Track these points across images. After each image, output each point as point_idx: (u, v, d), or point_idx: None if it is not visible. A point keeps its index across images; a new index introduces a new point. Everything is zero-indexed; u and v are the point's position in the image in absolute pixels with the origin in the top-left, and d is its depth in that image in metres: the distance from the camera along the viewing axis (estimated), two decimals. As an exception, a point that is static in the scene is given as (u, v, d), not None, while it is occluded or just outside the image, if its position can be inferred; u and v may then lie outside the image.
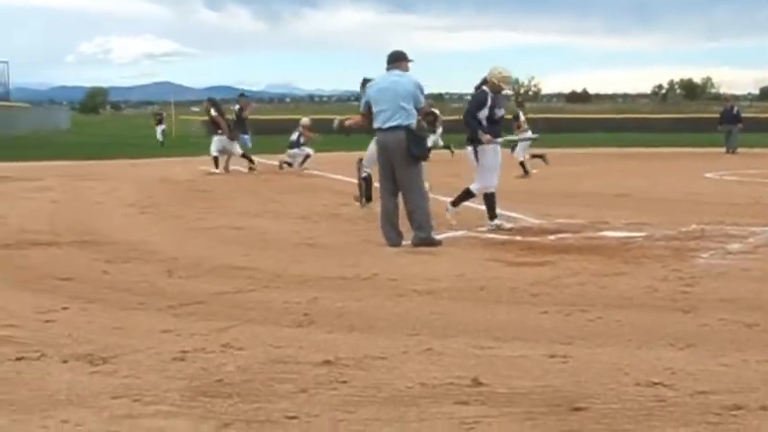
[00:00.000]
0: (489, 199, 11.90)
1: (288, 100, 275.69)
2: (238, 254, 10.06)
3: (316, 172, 23.68)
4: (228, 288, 8.08)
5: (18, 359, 5.78)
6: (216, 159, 24.54)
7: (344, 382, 5.21)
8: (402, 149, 10.57)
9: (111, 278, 8.76)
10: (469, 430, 4.40)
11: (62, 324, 6.77)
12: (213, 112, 24.72)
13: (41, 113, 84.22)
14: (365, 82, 12.35)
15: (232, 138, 24.37)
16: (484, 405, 4.77)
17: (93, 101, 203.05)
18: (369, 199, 14.90)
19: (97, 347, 6.03)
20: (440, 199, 12.97)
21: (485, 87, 11.71)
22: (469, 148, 11.85)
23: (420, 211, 10.65)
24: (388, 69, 10.92)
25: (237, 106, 26.15)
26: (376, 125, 10.82)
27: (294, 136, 25.34)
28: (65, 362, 5.72)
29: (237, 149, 24.36)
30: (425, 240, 10.55)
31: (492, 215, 11.85)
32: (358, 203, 15.05)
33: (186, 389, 5.09)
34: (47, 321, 6.84)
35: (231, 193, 18.48)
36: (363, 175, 15.15)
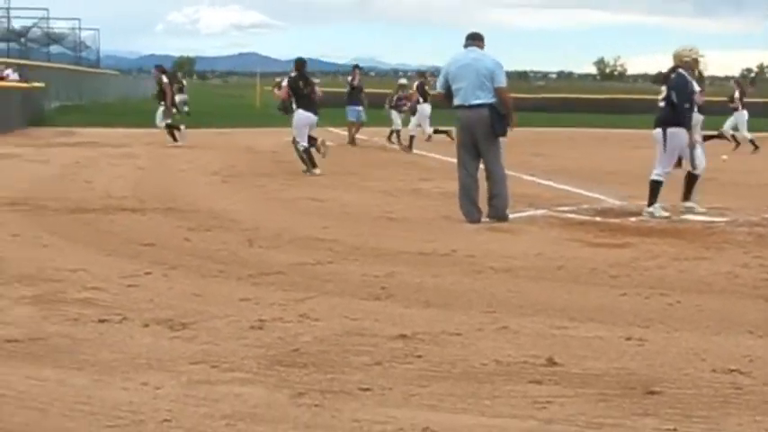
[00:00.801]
0: (656, 186, 11.46)
1: (372, 74, 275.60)
2: (318, 226, 10.13)
3: (398, 147, 23.68)
4: (308, 259, 8.15)
5: (101, 321, 5.91)
6: (171, 131, 23.69)
7: (419, 356, 5.23)
8: (486, 126, 10.59)
9: (193, 245, 8.88)
10: (542, 409, 4.40)
11: (144, 289, 6.89)
12: (164, 79, 24.17)
13: (130, 81, 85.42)
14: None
15: (169, 110, 23.88)
16: (557, 385, 4.76)
17: (181, 69, 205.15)
18: (314, 165, 16.30)
19: (177, 313, 6.14)
20: (522, 178, 12.90)
21: (680, 70, 11.31)
22: (658, 130, 11.43)
23: (503, 185, 10.74)
24: (466, 46, 10.93)
25: (350, 77, 25.74)
26: (457, 102, 10.79)
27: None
28: (146, 326, 5.83)
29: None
30: (502, 215, 10.60)
31: (652, 202, 11.41)
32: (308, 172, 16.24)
33: (263, 357, 5.16)
34: (129, 286, 6.97)
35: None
36: (301, 148, 16.37)
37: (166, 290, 6.89)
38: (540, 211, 11.47)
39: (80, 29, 66.07)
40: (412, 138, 23.37)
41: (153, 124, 24.37)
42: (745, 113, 25.31)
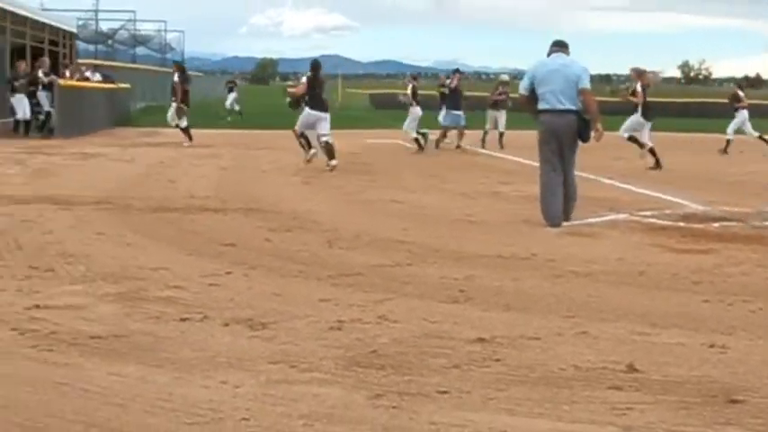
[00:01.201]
0: None
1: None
2: (398, 227, 10.14)
3: (478, 149, 23.59)
4: (387, 261, 8.16)
5: (182, 320, 5.98)
6: (186, 130, 23.76)
7: (497, 360, 5.21)
8: (572, 133, 10.64)
9: (274, 246, 8.95)
10: (621, 416, 4.36)
11: (225, 288, 6.96)
12: (175, 77, 24.15)
13: (213, 83, 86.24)
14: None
15: (179, 110, 23.79)
16: (638, 391, 4.71)
17: (263, 71, 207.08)
18: (310, 146, 18.11)
19: (257, 313, 6.19)
20: (601, 181, 12.78)
21: None
22: None
23: (576, 189, 10.90)
24: (551, 52, 10.96)
25: (448, 80, 24.73)
26: (543, 106, 10.75)
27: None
28: (226, 325, 5.89)
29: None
30: (569, 216, 10.73)
31: None
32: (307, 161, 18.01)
33: (341, 358, 5.18)
34: (210, 285, 7.05)
35: (393, 166, 18.63)
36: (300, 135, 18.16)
37: (247, 289, 6.96)
38: (621, 216, 11.35)
39: (165, 31, 67.10)
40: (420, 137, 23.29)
41: (234, 125, 24.55)
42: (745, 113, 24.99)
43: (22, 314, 6.02)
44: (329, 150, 17.68)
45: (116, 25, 53.92)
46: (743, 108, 25.06)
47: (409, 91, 24.22)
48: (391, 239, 9.38)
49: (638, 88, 19.45)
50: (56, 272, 7.41)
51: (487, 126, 24.70)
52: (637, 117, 19.35)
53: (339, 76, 74.44)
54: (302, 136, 18.11)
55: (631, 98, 19.61)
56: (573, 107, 10.60)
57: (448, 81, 24.61)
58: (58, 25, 34.14)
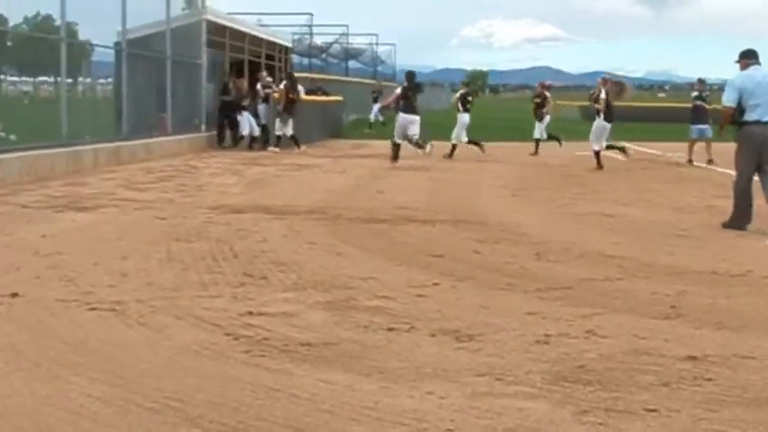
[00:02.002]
0: None
1: (667, 87, 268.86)
2: (608, 241, 9.99)
3: (695, 162, 22.92)
4: (596, 275, 8.05)
5: (390, 330, 6.05)
6: (294, 139, 24.38)
7: (709, 379, 5.05)
8: None
9: (482, 258, 8.95)
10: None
11: (432, 299, 7.00)
12: (283, 84, 24.75)
13: (424, 94, 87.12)
14: None
15: (285, 116, 24.23)
16: None
17: (474, 83, 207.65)
18: (396, 158, 20.96)
19: (464, 324, 6.20)
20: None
21: None
22: None
23: None
24: (749, 65, 11.14)
25: (696, 92, 24.23)
26: (752, 117, 10.80)
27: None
28: (433, 336, 5.92)
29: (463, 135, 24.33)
30: None
31: None
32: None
33: (547, 372, 5.13)
34: (418, 295, 7.10)
35: (604, 179, 18.35)
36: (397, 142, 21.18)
37: (454, 301, 6.98)
38: None
39: (377, 44, 68.15)
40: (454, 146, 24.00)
41: (447, 137, 24.68)
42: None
43: (236, 320, 6.23)
44: (418, 145, 21.27)
45: (330, 39, 55.14)
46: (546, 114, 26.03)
47: (458, 96, 25.64)
48: (601, 253, 9.24)
49: (602, 95, 20.91)
50: (269, 280, 7.63)
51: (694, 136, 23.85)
52: (599, 121, 20.96)
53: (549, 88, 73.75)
54: (396, 146, 21.18)
55: (595, 104, 21.40)
56: None
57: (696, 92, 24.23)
58: (275, 40, 35.19)
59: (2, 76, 22.13)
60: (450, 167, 20.76)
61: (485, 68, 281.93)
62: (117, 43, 21.45)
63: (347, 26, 57.83)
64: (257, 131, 25.70)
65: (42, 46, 20.06)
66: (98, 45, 21.83)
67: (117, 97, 21.80)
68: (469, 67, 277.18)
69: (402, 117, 21.23)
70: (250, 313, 6.41)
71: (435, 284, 7.53)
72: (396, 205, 13.03)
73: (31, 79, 25.39)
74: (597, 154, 20.73)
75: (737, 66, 11.42)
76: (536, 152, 25.26)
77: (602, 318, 6.46)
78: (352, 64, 60.43)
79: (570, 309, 6.72)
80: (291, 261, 8.47)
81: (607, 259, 8.90)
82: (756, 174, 11.09)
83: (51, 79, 21.67)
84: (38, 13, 19.17)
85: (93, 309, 6.46)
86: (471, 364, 5.28)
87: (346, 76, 53.24)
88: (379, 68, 68.37)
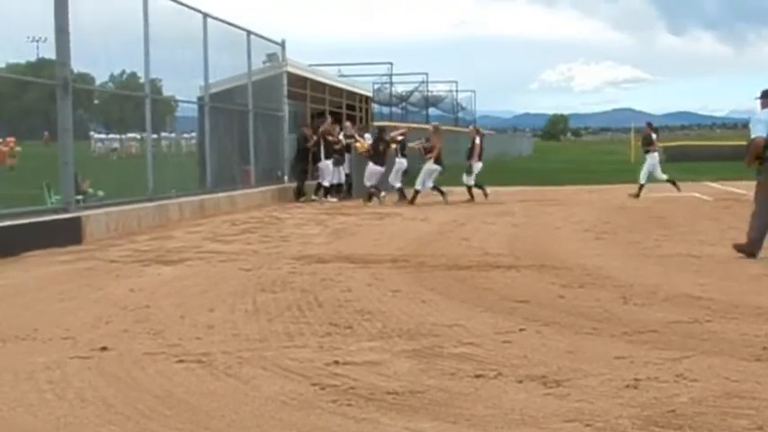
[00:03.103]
0: None
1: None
2: (695, 282, 9.84)
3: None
4: (684, 317, 7.93)
5: (476, 376, 6.02)
6: (401, 191, 24.46)
7: (805, 422, 4.93)
8: None
9: (567, 302, 8.88)
10: None
11: (518, 345, 6.96)
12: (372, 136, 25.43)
13: (505, 140, 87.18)
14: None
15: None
16: None
17: (555, 127, 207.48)
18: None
19: (551, 370, 6.14)
20: None
21: None
22: None
23: None
24: None
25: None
26: None
27: None
28: (519, 382, 5.88)
29: None
30: None
31: None
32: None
33: (637, 417, 5.05)
34: (504, 342, 7.06)
35: (689, 219, 18.12)
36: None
37: (540, 346, 6.92)
38: None
39: (457, 91, 68.50)
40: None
41: (527, 181, 24.65)
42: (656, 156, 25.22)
43: (322, 369, 6.24)
44: (369, 195, 23.84)
45: (410, 87, 55.55)
46: (654, 151, 25.54)
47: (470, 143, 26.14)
48: (688, 295, 9.10)
49: (426, 142, 24.36)
50: (354, 329, 7.64)
51: None
52: (429, 164, 23.98)
53: (632, 130, 73.21)
54: (375, 188, 23.68)
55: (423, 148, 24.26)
56: None
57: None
58: (355, 90, 35.53)
59: (90, 133, 22.67)
60: (532, 211, 20.67)
61: (566, 112, 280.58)
62: (200, 98, 21.83)
63: (427, 74, 58.33)
64: (343, 179, 25.73)
65: (128, 103, 20.53)
66: (182, 100, 22.27)
67: (200, 151, 22.18)
68: (551, 111, 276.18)
69: (370, 166, 23.92)
70: (336, 363, 6.42)
71: (521, 330, 7.48)
72: (479, 251, 13.00)
73: (118, 136, 25.97)
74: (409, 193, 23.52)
75: (758, 104, 12.05)
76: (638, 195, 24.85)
77: (692, 361, 6.36)
78: (432, 111, 60.76)
79: (658, 352, 6.63)
80: (376, 309, 8.48)
81: (694, 301, 8.77)
82: None
83: (137, 135, 22.12)
84: (123, 71, 19.62)
85: (180, 361, 6.53)
86: (560, 410, 5.23)
87: (427, 123, 53.47)
88: (460, 114, 68.58)
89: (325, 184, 25.27)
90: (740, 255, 11.74)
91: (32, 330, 7.60)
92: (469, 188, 24.68)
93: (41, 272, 11.26)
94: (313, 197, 24.94)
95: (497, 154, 64.23)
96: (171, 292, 9.63)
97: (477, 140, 25.82)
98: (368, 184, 24.36)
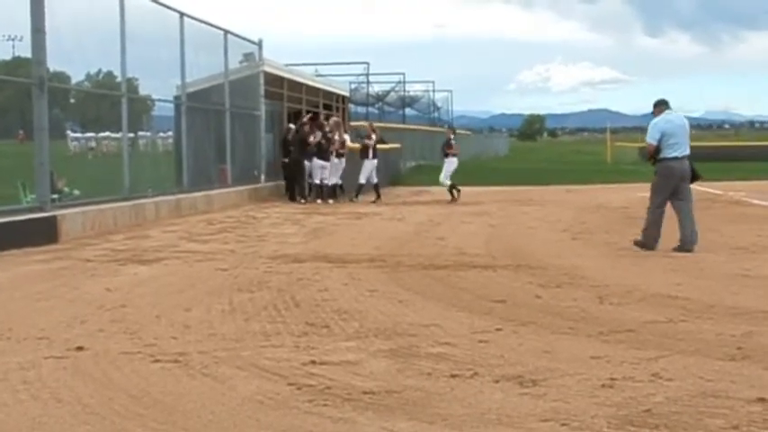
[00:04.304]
0: None
1: (727, 126, 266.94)
2: (671, 283, 9.89)
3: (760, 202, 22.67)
4: (659, 317, 7.96)
5: (453, 376, 6.02)
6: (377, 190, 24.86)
7: (780, 422, 4.97)
8: (689, 173, 13.09)
9: (543, 302, 8.90)
10: None
11: (495, 345, 6.97)
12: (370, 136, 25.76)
13: (481, 140, 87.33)
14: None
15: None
16: None
17: (531, 127, 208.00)
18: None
19: (527, 369, 6.16)
20: None
21: None
22: None
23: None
24: (663, 110, 13.20)
25: None
26: (674, 154, 12.88)
27: None
28: (496, 382, 5.88)
29: None
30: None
31: None
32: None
33: (613, 417, 5.07)
34: (480, 341, 7.07)
35: (665, 220, 18.15)
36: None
37: (517, 346, 6.94)
38: None
39: (433, 91, 68.48)
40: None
41: (503, 181, 24.70)
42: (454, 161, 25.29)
43: (299, 369, 6.24)
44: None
45: (386, 87, 55.50)
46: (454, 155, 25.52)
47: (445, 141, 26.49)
48: (664, 294, 9.15)
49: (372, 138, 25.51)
50: (330, 328, 7.64)
51: None
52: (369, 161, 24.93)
53: (607, 130, 73.51)
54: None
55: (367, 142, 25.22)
56: (688, 153, 13.09)
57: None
58: (332, 89, 35.51)
59: (67, 132, 22.54)
60: (509, 211, 20.71)
61: (542, 112, 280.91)
62: (177, 97, 21.76)
63: (404, 74, 58.23)
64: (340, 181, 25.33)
65: (104, 102, 20.43)
66: (158, 99, 22.19)
67: (177, 150, 22.08)
68: (527, 112, 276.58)
69: (314, 161, 24.32)
70: (313, 362, 6.42)
71: (498, 330, 7.49)
72: (456, 251, 13.02)
73: (94, 135, 25.79)
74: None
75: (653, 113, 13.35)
76: None
77: (668, 360, 6.39)
78: (408, 111, 60.74)
79: (634, 352, 6.66)
80: (353, 309, 8.48)
81: (670, 300, 8.82)
82: (670, 202, 13.06)
83: (113, 134, 22.02)
84: (99, 70, 19.53)
85: (156, 361, 6.51)
86: (536, 409, 5.24)
87: (403, 123, 53.53)
88: (435, 114, 68.62)
89: (338, 182, 25.03)
90: (638, 248, 12.93)
91: (7, 330, 7.55)
92: (450, 188, 24.65)
93: (16, 271, 11.19)
94: (330, 200, 24.37)
95: (474, 154, 64.31)
96: (147, 292, 9.59)
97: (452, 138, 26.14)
98: (362, 180, 25.03)
